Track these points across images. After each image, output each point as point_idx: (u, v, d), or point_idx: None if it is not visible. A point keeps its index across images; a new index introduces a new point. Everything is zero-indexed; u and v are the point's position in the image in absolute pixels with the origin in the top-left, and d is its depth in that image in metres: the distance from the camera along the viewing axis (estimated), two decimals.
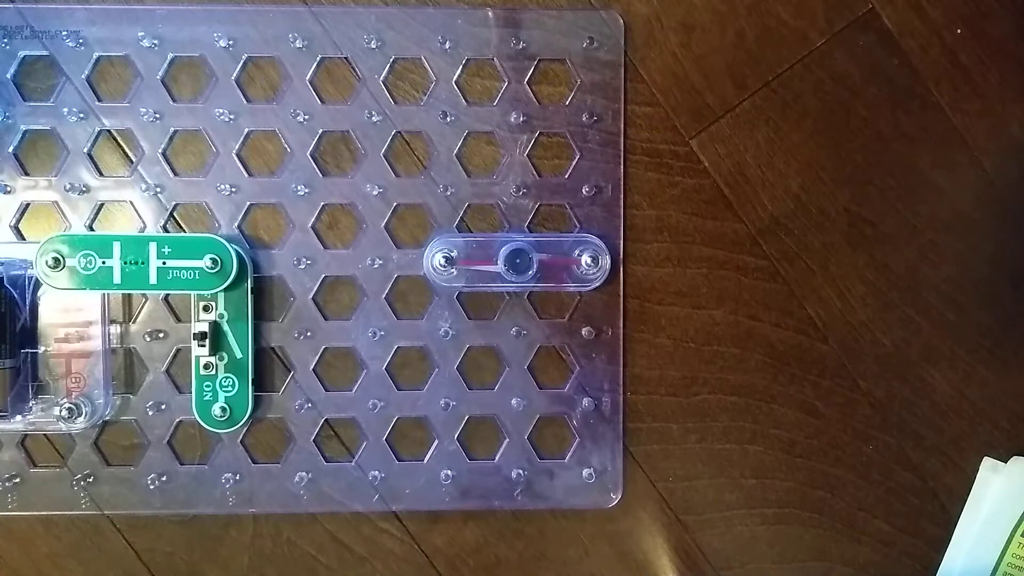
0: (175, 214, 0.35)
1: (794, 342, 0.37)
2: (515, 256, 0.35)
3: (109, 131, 0.35)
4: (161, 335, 0.35)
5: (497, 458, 0.36)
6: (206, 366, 0.34)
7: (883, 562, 0.37)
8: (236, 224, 0.35)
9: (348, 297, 0.36)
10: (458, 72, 0.35)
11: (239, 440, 0.35)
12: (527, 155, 0.36)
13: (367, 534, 0.36)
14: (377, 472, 0.36)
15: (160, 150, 0.35)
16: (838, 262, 0.36)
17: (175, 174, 0.35)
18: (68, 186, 0.35)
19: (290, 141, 0.35)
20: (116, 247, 0.33)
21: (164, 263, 0.33)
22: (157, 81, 0.35)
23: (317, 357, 0.35)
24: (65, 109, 0.35)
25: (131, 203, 0.35)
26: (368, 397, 0.36)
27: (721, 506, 0.37)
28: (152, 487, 0.35)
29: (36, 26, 0.34)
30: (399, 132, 0.35)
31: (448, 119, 0.35)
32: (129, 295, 0.35)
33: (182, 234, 0.35)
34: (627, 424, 0.36)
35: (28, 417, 0.34)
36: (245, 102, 0.35)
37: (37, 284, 0.34)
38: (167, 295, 0.35)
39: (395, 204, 0.36)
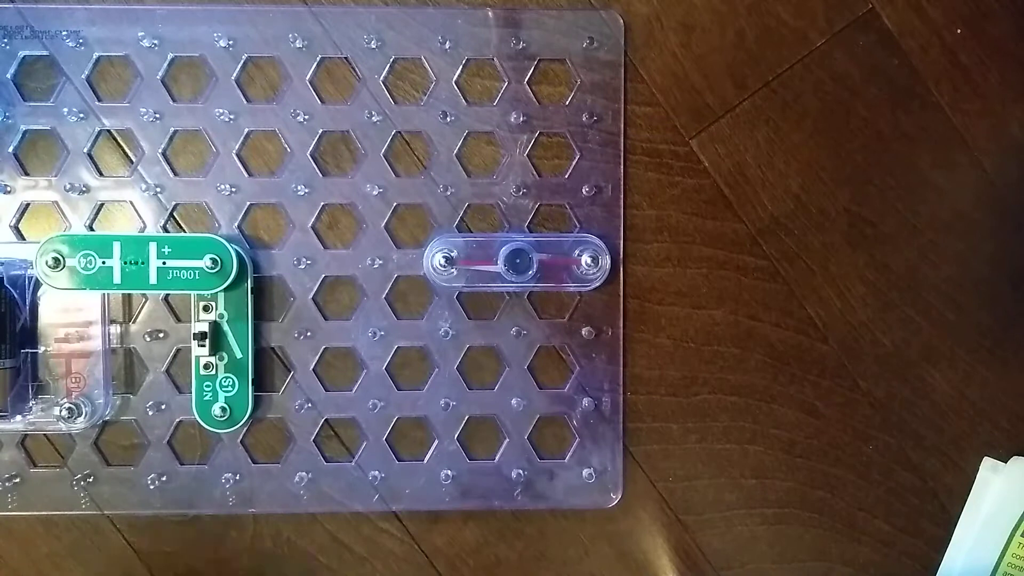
0: (175, 214, 0.35)
1: (794, 342, 0.37)
2: (515, 256, 0.35)
3: (109, 131, 0.35)
4: (161, 335, 0.35)
5: (497, 458, 0.36)
6: (206, 366, 0.34)
7: (883, 562, 0.37)
8: (236, 224, 0.35)
9: (348, 297, 0.36)
10: (458, 72, 0.35)
11: (239, 440, 0.35)
12: (527, 155, 0.36)
13: (367, 534, 0.36)
14: (377, 472, 0.36)
15: (160, 150, 0.35)
16: (838, 262, 0.36)
17: (175, 174, 0.35)
18: (68, 186, 0.35)
19: (290, 141, 0.35)
20: (116, 247, 0.33)
21: (164, 263, 0.33)
22: (157, 81, 0.35)
23: (317, 357, 0.35)
24: (65, 109, 0.35)
25: (131, 203, 0.35)
26: (368, 397, 0.36)
27: (721, 506, 0.37)
28: (152, 487, 0.35)
29: (36, 26, 0.34)
30: (399, 132, 0.35)
31: (448, 119, 0.35)
32: (129, 295, 0.35)
33: (182, 234, 0.35)
34: (627, 424, 0.36)
35: (28, 417, 0.34)
36: (245, 102, 0.35)
37: (37, 284, 0.34)
38: (167, 295, 0.35)
39: (395, 204, 0.36)
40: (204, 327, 0.34)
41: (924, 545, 0.37)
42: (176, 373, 0.35)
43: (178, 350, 0.35)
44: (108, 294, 0.35)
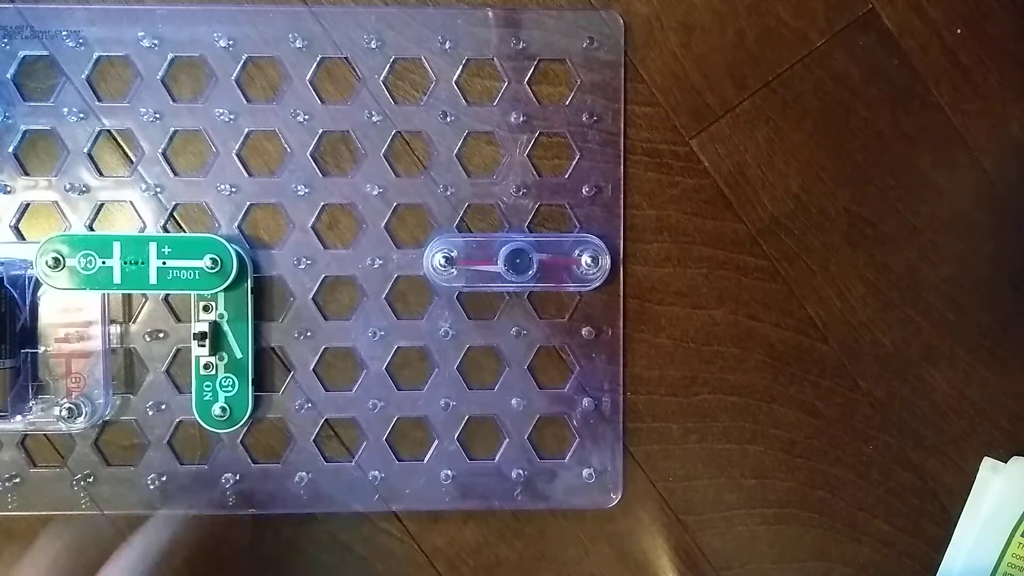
0: (175, 214, 0.35)
1: (794, 342, 0.37)
2: (515, 256, 0.35)
3: (109, 131, 0.35)
4: (161, 335, 0.35)
5: (497, 458, 0.36)
6: (206, 366, 0.34)
7: (883, 562, 0.37)
8: (236, 224, 0.35)
9: (348, 297, 0.36)
10: (458, 72, 0.35)
11: (239, 440, 0.35)
12: (527, 155, 0.36)
13: (367, 534, 0.36)
14: (377, 472, 0.36)
15: (160, 150, 0.35)
16: (838, 262, 0.36)
17: (175, 174, 0.35)
18: (68, 186, 0.35)
19: (290, 141, 0.35)
20: (116, 247, 0.33)
21: (164, 263, 0.33)
22: (157, 81, 0.35)
23: (317, 357, 0.35)
24: (65, 109, 0.35)
25: (131, 203, 0.35)
26: (368, 397, 0.36)
27: (721, 506, 0.37)
28: (152, 487, 0.35)
29: (36, 26, 0.34)
30: (399, 132, 0.35)
31: (448, 119, 0.35)
32: (129, 295, 0.35)
33: (182, 234, 0.35)
34: (627, 424, 0.36)
35: (28, 417, 0.34)
36: (245, 102, 0.35)
37: (37, 284, 0.34)
38: (167, 295, 0.35)
39: (395, 204, 0.36)
40: (204, 327, 0.34)
41: (924, 545, 0.37)
42: (176, 373, 0.35)
43: (178, 350, 0.35)
44: (108, 294, 0.35)
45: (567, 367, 0.36)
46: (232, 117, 0.35)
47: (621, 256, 0.36)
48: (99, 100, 0.35)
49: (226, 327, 0.34)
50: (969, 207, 0.37)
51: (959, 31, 0.36)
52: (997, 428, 0.37)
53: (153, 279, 0.33)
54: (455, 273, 0.35)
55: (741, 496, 0.37)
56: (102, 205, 0.35)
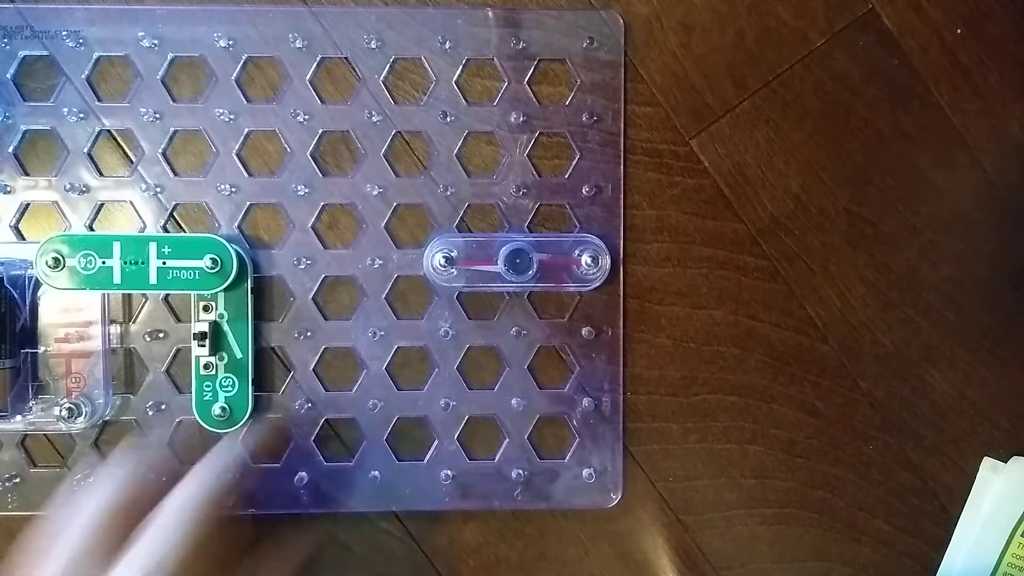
0: (175, 214, 0.35)
1: (794, 342, 0.37)
2: (515, 256, 0.35)
3: (109, 131, 0.35)
4: (161, 335, 0.35)
5: (497, 458, 0.36)
6: (206, 366, 0.34)
7: (883, 562, 0.37)
8: (236, 224, 0.35)
9: (348, 297, 0.36)
10: (458, 72, 0.35)
11: (239, 440, 0.35)
12: (527, 155, 0.36)
13: (367, 534, 0.36)
14: (377, 472, 0.36)
15: (160, 150, 0.35)
16: (838, 262, 0.36)
17: (175, 174, 0.35)
18: (68, 186, 0.35)
19: (290, 141, 0.35)
20: (116, 247, 0.33)
21: (164, 263, 0.33)
22: (157, 81, 0.35)
23: (317, 357, 0.35)
24: (65, 109, 0.35)
25: (131, 203, 0.35)
26: (368, 397, 0.36)
27: (721, 506, 0.37)
28: None
29: (36, 26, 0.34)
30: (399, 132, 0.35)
31: (448, 119, 0.35)
32: (129, 295, 0.35)
33: (182, 234, 0.35)
34: (627, 424, 0.36)
35: (28, 417, 0.34)
36: (245, 102, 0.35)
37: (37, 284, 0.34)
38: (167, 295, 0.35)
39: (395, 204, 0.36)
40: (204, 327, 0.34)
41: (924, 545, 0.37)
42: (176, 373, 0.35)
43: (178, 350, 0.35)
44: (108, 294, 0.35)
45: (567, 367, 0.36)
46: (232, 117, 0.35)
47: (621, 256, 0.36)
48: (99, 100, 0.35)
49: (226, 327, 0.34)
50: (969, 207, 0.37)
51: (959, 31, 0.36)
52: (997, 428, 0.37)
53: (153, 279, 0.33)
54: (455, 273, 0.35)
55: (741, 496, 0.37)
56: (102, 205, 0.35)
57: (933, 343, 0.37)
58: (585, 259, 0.35)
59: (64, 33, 0.34)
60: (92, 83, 0.35)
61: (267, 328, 0.35)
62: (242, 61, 0.35)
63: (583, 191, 0.36)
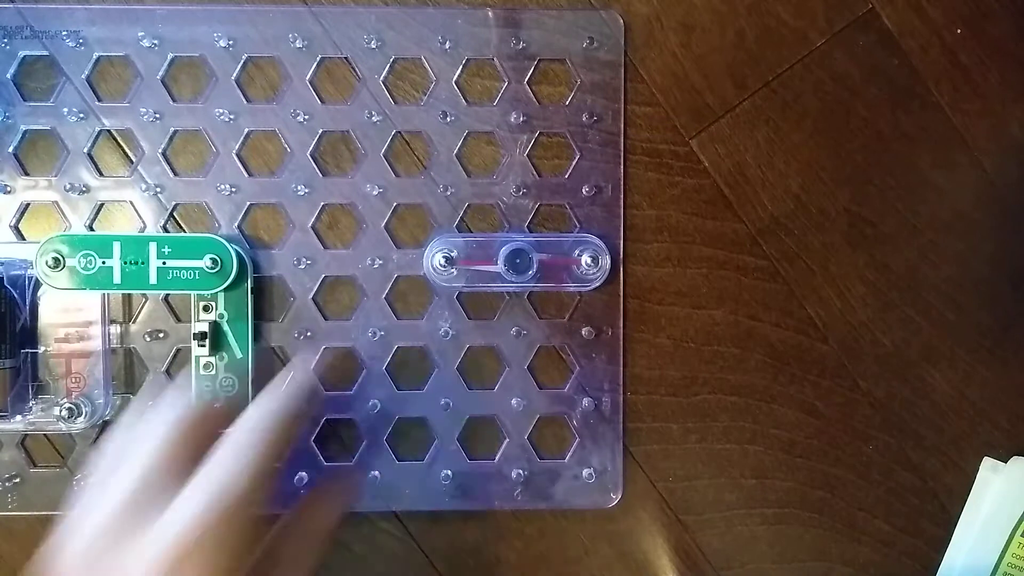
0: (175, 214, 0.35)
1: (794, 342, 0.37)
2: (515, 256, 0.35)
3: (109, 131, 0.35)
4: (161, 335, 0.35)
5: (497, 458, 0.36)
6: (206, 366, 0.34)
7: (883, 562, 0.37)
8: (236, 224, 0.35)
9: (348, 297, 0.36)
10: (458, 72, 0.35)
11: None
12: (527, 155, 0.36)
13: (367, 534, 0.36)
14: (377, 472, 0.36)
15: (160, 150, 0.35)
16: (838, 262, 0.36)
17: (175, 174, 0.35)
18: (68, 186, 0.35)
19: (290, 141, 0.35)
20: (116, 247, 0.33)
21: (164, 263, 0.33)
22: (157, 81, 0.35)
23: (317, 357, 0.35)
24: (65, 109, 0.35)
25: (131, 203, 0.35)
26: (368, 397, 0.36)
27: (721, 506, 0.37)
28: None
29: (36, 26, 0.34)
30: (399, 132, 0.35)
31: (448, 119, 0.35)
32: (129, 295, 0.35)
33: (182, 234, 0.35)
34: (627, 424, 0.36)
35: (28, 417, 0.34)
36: (245, 102, 0.35)
37: (37, 284, 0.34)
38: (167, 295, 0.35)
39: (395, 204, 0.36)
40: (204, 327, 0.34)
41: (924, 545, 0.37)
42: (176, 373, 0.35)
43: (178, 350, 0.35)
44: (108, 294, 0.35)
45: (567, 367, 0.36)
46: (232, 117, 0.35)
47: (621, 256, 0.36)
48: (99, 100, 0.35)
49: (226, 327, 0.34)
50: (969, 207, 0.37)
51: (959, 31, 0.36)
52: (997, 428, 0.37)
53: (153, 279, 0.33)
54: (455, 273, 0.35)
55: (741, 496, 0.37)
56: (102, 205, 0.35)
57: (933, 343, 0.37)
58: (585, 259, 0.35)
59: (64, 33, 0.34)
60: (92, 83, 0.35)
61: (267, 328, 0.35)
62: (242, 61, 0.35)
63: (583, 191, 0.36)
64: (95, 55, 0.35)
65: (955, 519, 0.37)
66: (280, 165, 0.35)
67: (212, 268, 0.33)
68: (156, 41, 0.35)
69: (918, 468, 0.37)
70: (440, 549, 0.36)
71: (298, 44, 0.35)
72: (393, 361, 0.36)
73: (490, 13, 0.35)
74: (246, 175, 0.35)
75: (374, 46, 0.35)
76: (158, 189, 0.35)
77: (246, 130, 0.35)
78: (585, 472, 0.36)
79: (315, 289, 0.35)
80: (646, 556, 0.37)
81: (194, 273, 0.33)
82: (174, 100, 0.35)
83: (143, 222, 0.35)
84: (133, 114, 0.35)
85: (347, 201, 0.35)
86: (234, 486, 0.25)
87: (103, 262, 0.33)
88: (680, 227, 0.36)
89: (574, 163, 0.36)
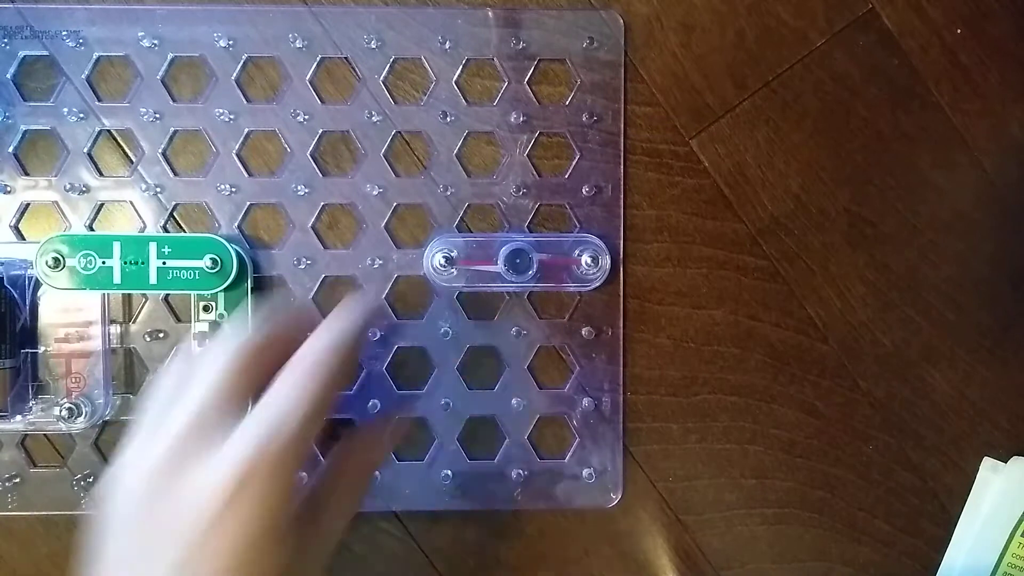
0: (175, 214, 0.35)
1: (794, 342, 0.37)
2: (515, 256, 0.35)
3: (109, 131, 0.35)
4: (161, 335, 0.35)
5: (497, 458, 0.36)
6: None
7: (883, 562, 0.37)
8: (236, 224, 0.35)
9: None
10: (458, 72, 0.35)
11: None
12: (527, 155, 0.36)
13: (367, 534, 0.36)
14: (377, 472, 0.35)
15: (160, 150, 0.35)
16: (838, 262, 0.36)
17: (175, 174, 0.35)
18: (68, 186, 0.35)
19: (290, 141, 0.35)
20: (116, 247, 0.33)
21: (164, 263, 0.33)
22: (157, 81, 0.35)
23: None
24: (65, 109, 0.35)
25: (131, 203, 0.35)
26: (368, 397, 0.36)
27: (721, 506, 0.37)
28: None
29: (36, 26, 0.34)
30: (399, 132, 0.35)
31: (448, 119, 0.35)
32: (129, 295, 0.35)
33: (182, 234, 0.35)
34: (627, 424, 0.36)
35: (28, 417, 0.34)
36: (245, 102, 0.35)
37: (37, 284, 0.34)
38: (167, 295, 0.35)
39: (395, 204, 0.36)
40: (204, 327, 0.34)
41: (924, 545, 0.37)
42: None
43: (178, 350, 0.35)
44: (108, 294, 0.35)
45: (567, 367, 0.36)
46: (232, 117, 0.35)
47: (621, 256, 0.36)
48: (99, 100, 0.35)
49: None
50: (969, 207, 0.37)
51: (959, 31, 0.36)
52: (997, 428, 0.37)
53: (153, 279, 0.33)
54: (455, 273, 0.35)
55: (741, 496, 0.37)
56: (102, 205, 0.35)
57: (933, 343, 0.37)
58: (585, 259, 0.35)
59: (64, 33, 0.34)
60: (92, 83, 0.35)
61: None
62: (242, 61, 0.35)
63: (583, 191, 0.36)
64: (95, 55, 0.35)
65: (955, 519, 0.37)
66: (280, 165, 0.35)
67: (212, 268, 0.33)
68: (156, 41, 0.35)
69: (918, 468, 0.37)
70: (440, 549, 0.36)
71: (298, 44, 0.35)
72: (393, 361, 0.36)
73: (490, 13, 0.35)
74: (246, 175, 0.35)
75: (374, 46, 0.35)
76: (158, 189, 0.35)
77: (246, 130, 0.35)
78: (585, 472, 0.36)
79: (315, 289, 0.35)
80: (646, 556, 0.37)
81: (194, 273, 0.33)
82: (174, 100, 0.35)
83: (143, 222, 0.35)
84: (133, 114, 0.35)
85: (347, 201, 0.35)
86: (292, 420, 0.24)
87: (103, 262, 0.33)
88: (680, 227, 0.36)
89: (574, 163, 0.36)
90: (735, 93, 0.36)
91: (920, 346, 0.37)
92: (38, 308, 0.34)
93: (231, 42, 0.35)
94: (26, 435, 0.35)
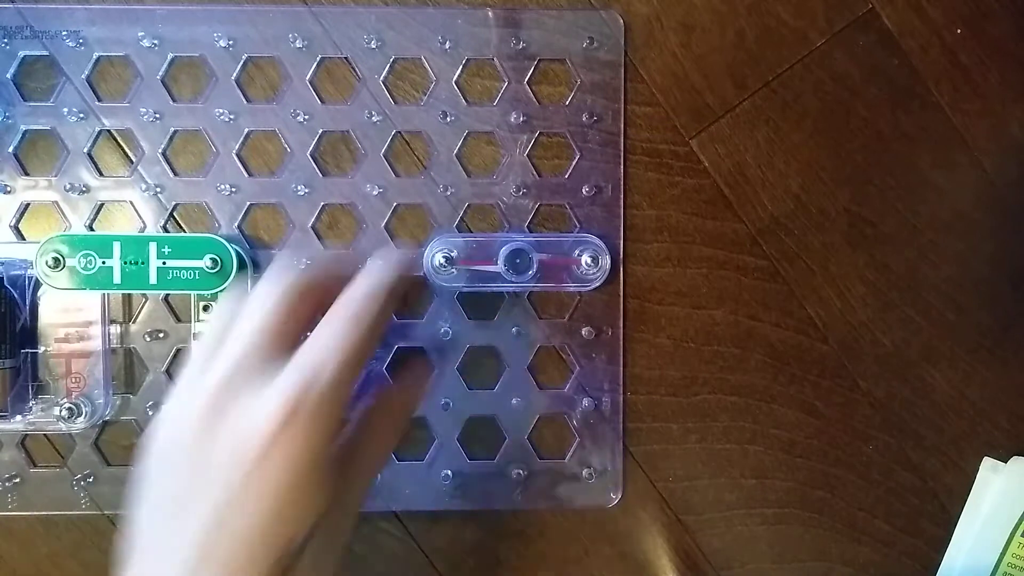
0: (175, 214, 0.35)
1: (794, 342, 0.37)
2: (515, 256, 0.35)
3: (109, 131, 0.35)
4: (161, 335, 0.35)
5: (497, 458, 0.36)
6: None
7: (883, 562, 0.37)
8: (236, 224, 0.35)
9: None
10: (458, 72, 0.35)
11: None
12: (527, 155, 0.36)
13: (367, 534, 0.36)
14: (378, 475, 0.35)
15: (160, 150, 0.35)
16: (838, 262, 0.36)
17: (175, 174, 0.35)
18: (68, 186, 0.35)
19: (290, 141, 0.35)
20: (116, 247, 0.33)
21: (164, 263, 0.33)
22: (157, 81, 0.35)
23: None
24: (65, 109, 0.35)
25: (131, 203, 0.35)
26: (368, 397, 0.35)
27: (721, 506, 0.37)
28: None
29: (36, 26, 0.34)
30: (399, 132, 0.35)
31: (448, 119, 0.35)
32: (129, 295, 0.35)
33: (182, 234, 0.35)
34: (627, 424, 0.36)
35: (28, 417, 0.34)
36: (245, 102, 0.35)
37: (37, 284, 0.34)
38: (167, 295, 0.35)
39: (395, 204, 0.36)
40: (204, 327, 0.34)
41: (924, 545, 0.37)
42: (176, 373, 0.35)
43: (178, 350, 0.35)
44: (108, 294, 0.35)
45: (567, 367, 0.36)
46: (232, 117, 0.35)
47: (621, 256, 0.36)
48: (99, 100, 0.35)
49: None
50: (969, 207, 0.37)
51: (959, 31, 0.36)
52: (997, 428, 0.37)
53: (153, 279, 0.33)
54: (455, 273, 0.35)
55: (741, 496, 0.37)
56: (102, 205, 0.35)
57: (933, 343, 0.37)
58: (585, 259, 0.35)
59: (64, 33, 0.34)
60: (92, 83, 0.35)
61: None
62: (242, 61, 0.35)
63: (583, 191, 0.36)
64: (95, 55, 0.35)
65: (955, 519, 0.37)
66: (280, 165, 0.35)
67: (212, 268, 0.33)
68: (156, 41, 0.35)
69: (918, 468, 0.37)
70: (440, 549, 0.36)
71: (298, 44, 0.35)
72: (393, 361, 0.36)
73: (490, 13, 0.35)
74: (246, 175, 0.35)
75: (374, 46, 0.35)
76: (158, 189, 0.35)
77: (246, 130, 0.35)
78: (585, 472, 0.36)
79: None
80: (646, 556, 0.37)
81: (194, 273, 0.33)
82: (174, 100, 0.35)
83: (143, 222, 0.35)
84: (133, 114, 0.35)
85: (347, 201, 0.35)
86: (334, 364, 0.25)
87: (103, 262, 0.33)
88: (680, 227, 0.36)
89: (574, 163, 0.36)
90: (735, 93, 0.36)
91: (920, 346, 0.37)
92: (38, 308, 0.34)
93: (231, 42, 0.35)
94: (26, 435, 0.35)
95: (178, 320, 0.35)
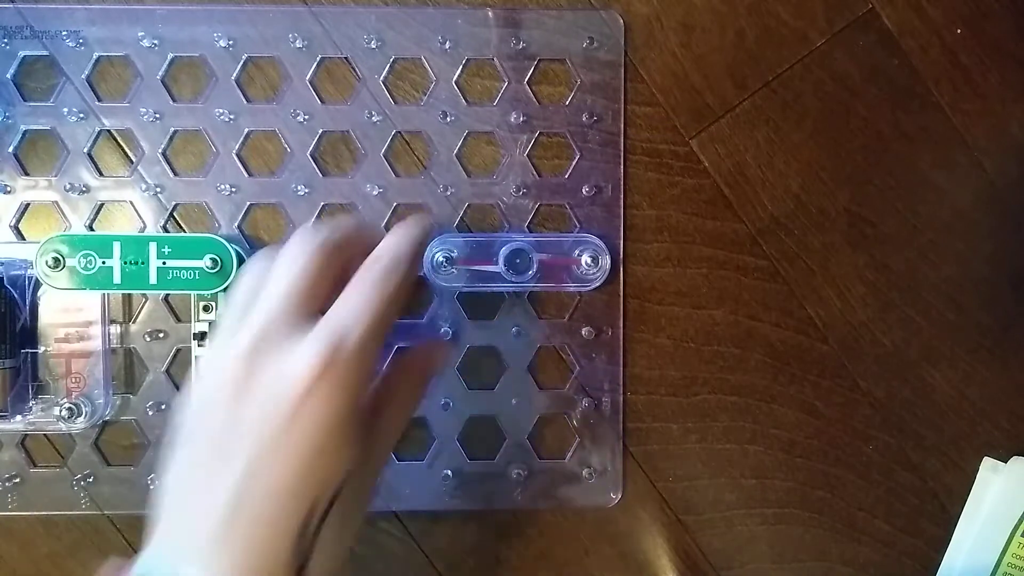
0: (175, 214, 0.35)
1: (794, 342, 0.37)
2: (515, 256, 0.35)
3: (109, 131, 0.35)
4: (161, 335, 0.35)
5: (497, 458, 0.36)
6: None
7: (883, 562, 0.37)
8: (236, 224, 0.35)
9: None
10: (458, 72, 0.35)
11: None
12: (527, 155, 0.36)
13: (367, 534, 0.36)
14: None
15: (160, 150, 0.35)
16: (838, 262, 0.36)
17: (175, 174, 0.35)
18: (68, 186, 0.35)
19: (290, 141, 0.35)
20: (116, 247, 0.33)
21: (164, 263, 0.33)
22: (157, 81, 0.35)
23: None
24: (65, 109, 0.35)
25: (131, 203, 0.35)
26: None
27: (721, 506, 0.37)
28: (152, 487, 0.35)
29: (36, 26, 0.34)
30: (399, 132, 0.35)
31: (448, 119, 0.35)
32: (129, 295, 0.35)
33: (182, 234, 0.35)
34: (627, 424, 0.36)
35: (28, 417, 0.34)
36: (245, 102, 0.35)
37: (37, 284, 0.34)
38: (167, 295, 0.35)
39: (395, 204, 0.36)
40: (204, 327, 0.34)
41: (924, 545, 0.37)
42: (176, 373, 0.35)
43: (178, 350, 0.35)
44: (108, 294, 0.35)
45: (567, 367, 0.36)
46: (232, 117, 0.35)
47: (621, 256, 0.36)
48: (99, 100, 0.35)
49: None
50: (969, 207, 0.37)
51: (959, 31, 0.36)
52: (997, 428, 0.37)
53: (153, 279, 0.33)
54: (455, 273, 0.35)
55: (741, 496, 0.37)
56: (102, 205, 0.35)
57: (933, 343, 0.37)
58: (585, 259, 0.35)
59: (64, 33, 0.34)
60: (92, 83, 0.35)
61: None
62: (242, 61, 0.35)
63: (583, 191, 0.36)
64: (95, 55, 0.35)
65: (955, 519, 0.37)
66: (280, 165, 0.35)
67: (212, 268, 0.33)
68: (156, 41, 0.35)
69: (918, 468, 0.37)
70: (440, 549, 0.36)
71: (298, 44, 0.35)
72: (393, 361, 0.36)
73: (490, 13, 0.35)
74: (246, 175, 0.35)
75: (374, 46, 0.35)
76: (158, 189, 0.35)
77: (246, 130, 0.35)
78: (585, 472, 0.36)
79: None
80: (646, 556, 0.37)
81: (194, 273, 0.33)
82: (174, 100, 0.35)
83: (143, 222, 0.35)
84: (133, 114, 0.35)
85: (347, 201, 0.35)
86: (363, 324, 0.25)
87: (103, 262, 0.33)
88: (680, 227, 0.36)
89: (574, 163, 0.36)
90: (735, 93, 0.36)
91: (920, 346, 0.37)
92: (38, 308, 0.34)
93: (231, 42, 0.35)
94: (26, 435, 0.35)
95: (178, 320, 0.35)
